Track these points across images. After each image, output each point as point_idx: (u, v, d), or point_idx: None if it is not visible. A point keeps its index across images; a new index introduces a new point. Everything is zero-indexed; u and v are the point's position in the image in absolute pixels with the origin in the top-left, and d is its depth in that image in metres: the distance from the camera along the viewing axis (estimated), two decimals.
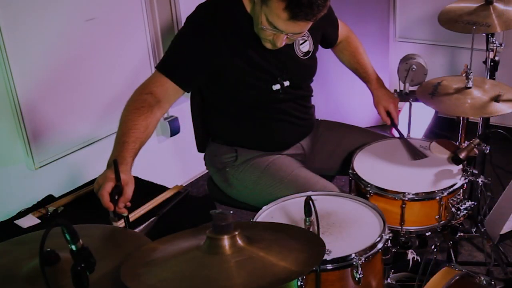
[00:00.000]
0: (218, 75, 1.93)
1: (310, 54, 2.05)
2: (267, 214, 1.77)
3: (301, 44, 2.02)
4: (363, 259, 1.54)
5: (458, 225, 2.03)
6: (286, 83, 1.98)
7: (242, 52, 1.91)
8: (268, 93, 1.97)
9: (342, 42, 2.32)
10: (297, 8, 1.69)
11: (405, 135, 2.23)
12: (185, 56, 1.88)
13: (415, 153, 2.08)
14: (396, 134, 2.30)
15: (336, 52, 2.37)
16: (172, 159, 3.27)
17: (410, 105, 2.33)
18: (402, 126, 2.31)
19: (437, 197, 1.87)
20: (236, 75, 1.93)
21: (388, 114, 2.30)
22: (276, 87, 1.96)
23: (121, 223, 1.63)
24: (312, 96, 2.21)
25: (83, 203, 2.35)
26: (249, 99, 2.00)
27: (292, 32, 1.79)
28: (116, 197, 1.55)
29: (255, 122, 2.06)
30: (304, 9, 1.69)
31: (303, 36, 2.00)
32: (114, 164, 1.56)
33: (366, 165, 2.03)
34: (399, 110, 3.29)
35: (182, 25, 1.95)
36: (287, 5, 1.69)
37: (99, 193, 1.55)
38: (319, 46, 2.15)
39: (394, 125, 2.29)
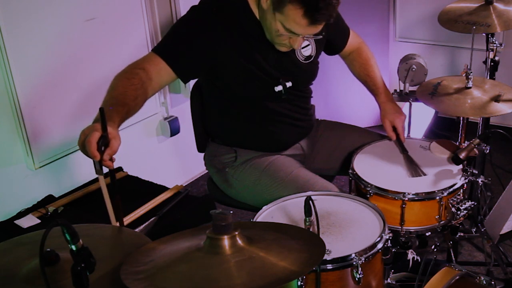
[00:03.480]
0: (217, 71, 1.92)
1: (311, 59, 2.05)
2: (267, 214, 1.77)
3: (303, 48, 2.01)
4: (363, 259, 1.54)
5: (458, 225, 2.03)
6: (289, 84, 1.98)
7: (244, 51, 1.91)
8: (270, 94, 1.97)
9: (353, 53, 2.30)
10: (316, 13, 1.71)
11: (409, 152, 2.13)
12: (182, 41, 1.87)
13: (415, 171, 2.00)
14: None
15: (347, 63, 2.35)
16: (172, 159, 3.27)
17: (410, 105, 2.33)
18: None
19: (437, 197, 1.87)
20: (236, 73, 1.92)
21: (394, 129, 2.21)
22: (278, 88, 1.97)
23: (124, 223, 1.62)
24: (312, 97, 2.20)
25: (83, 203, 2.35)
26: (249, 99, 2.00)
27: (309, 33, 1.81)
28: (103, 148, 1.46)
29: (254, 123, 2.06)
30: (322, 12, 1.71)
31: (306, 40, 2.00)
32: (101, 112, 1.47)
33: (366, 165, 2.03)
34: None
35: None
36: (305, 11, 1.71)
37: (86, 141, 1.45)
38: (323, 53, 2.15)
39: (399, 140, 2.18)
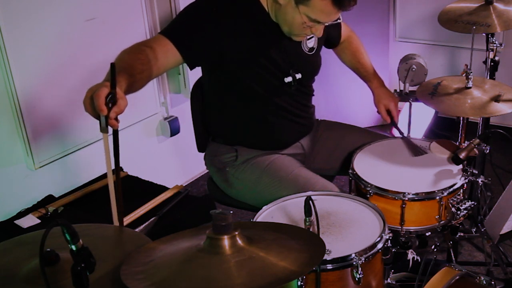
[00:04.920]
0: (224, 60, 1.91)
1: (314, 51, 2.07)
2: (267, 214, 1.77)
3: (308, 39, 2.04)
4: (363, 259, 1.54)
5: (458, 225, 2.03)
6: (298, 76, 2.00)
7: (253, 41, 1.92)
8: (278, 85, 1.98)
9: (344, 42, 2.34)
10: None
11: (405, 134, 2.24)
12: (191, 26, 1.86)
13: (416, 150, 2.10)
14: (396, 134, 2.30)
15: (337, 52, 2.38)
16: (172, 159, 3.27)
17: (410, 105, 2.33)
18: (402, 126, 2.32)
19: (437, 197, 1.87)
20: (243, 63, 1.93)
21: (389, 112, 2.31)
22: (288, 79, 1.98)
23: (124, 223, 1.62)
24: (313, 95, 2.21)
25: (83, 203, 2.35)
26: (252, 93, 1.99)
27: (333, 20, 1.84)
28: (110, 105, 1.41)
29: (256, 118, 2.06)
30: None
31: None
32: (112, 68, 1.42)
33: (366, 165, 2.03)
34: (399, 110, 3.31)
35: None
36: (334, 0, 1.75)
37: (94, 94, 1.40)
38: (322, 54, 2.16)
39: (394, 123, 2.30)
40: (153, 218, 2.17)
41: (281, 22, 1.90)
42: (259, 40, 1.93)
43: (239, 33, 1.89)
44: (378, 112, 2.35)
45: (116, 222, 1.49)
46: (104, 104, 1.40)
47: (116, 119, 1.43)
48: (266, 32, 1.93)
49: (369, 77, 2.35)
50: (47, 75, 2.42)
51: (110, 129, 1.43)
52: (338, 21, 1.87)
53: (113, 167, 1.45)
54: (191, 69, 1.92)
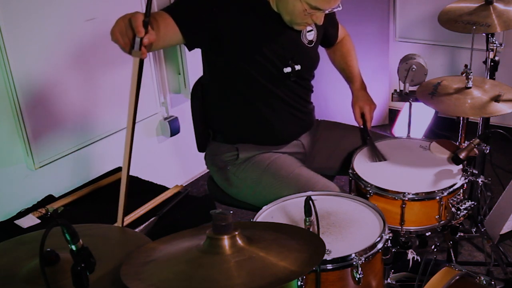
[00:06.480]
0: (224, 45, 1.91)
1: (313, 44, 2.09)
2: (267, 214, 1.78)
3: (308, 32, 2.05)
4: (363, 259, 1.54)
5: (458, 225, 2.03)
6: (298, 67, 2.01)
7: (255, 29, 1.93)
8: (278, 75, 1.99)
9: (338, 43, 2.35)
10: None
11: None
12: (194, 7, 1.87)
13: (373, 156, 2.07)
14: (396, 134, 2.30)
15: (328, 51, 2.40)
16: (172, 159, 3.27)
17: (410, 105, 2.33)
18: (402, 126, 2.32)
19: (437, 197, 1.87)
20: (245, 50, 1.93)
21: (363, 116, 2.30)
22: (287, 69, 1.99)
23: (125, 223, 1.62)
24: (312, 92, 2.21)
25: (83, 203, 2.35)
26: (252, 82, 1.99)
27: (333, 7, 1.86)
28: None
29: (255, 113, 2.06)
30: None
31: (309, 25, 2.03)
32: None
33: (366, 165, 2.03)
34: (399, 111, 3.31)
35: None
36: None
37: (132, 17, 1.48)
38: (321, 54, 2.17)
39: (365, 127, 2.27)
40: (153, 218, 2.17)
41: (282, 11, 1.92)
42: (260, 30, 1.94)
43: (240, 22, 1.90)
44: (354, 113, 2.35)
45: (120, 215, 1.49)
46: (141, 25, 1.46)
47: (146, 47, 1.48)
48: (267, 22, 1.94)
49: (352, 79, 2.36)
50: (47, 75, 2.42)
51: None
52: (338, 8, 1.87)
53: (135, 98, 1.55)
54: (189, 49, 1.92)
